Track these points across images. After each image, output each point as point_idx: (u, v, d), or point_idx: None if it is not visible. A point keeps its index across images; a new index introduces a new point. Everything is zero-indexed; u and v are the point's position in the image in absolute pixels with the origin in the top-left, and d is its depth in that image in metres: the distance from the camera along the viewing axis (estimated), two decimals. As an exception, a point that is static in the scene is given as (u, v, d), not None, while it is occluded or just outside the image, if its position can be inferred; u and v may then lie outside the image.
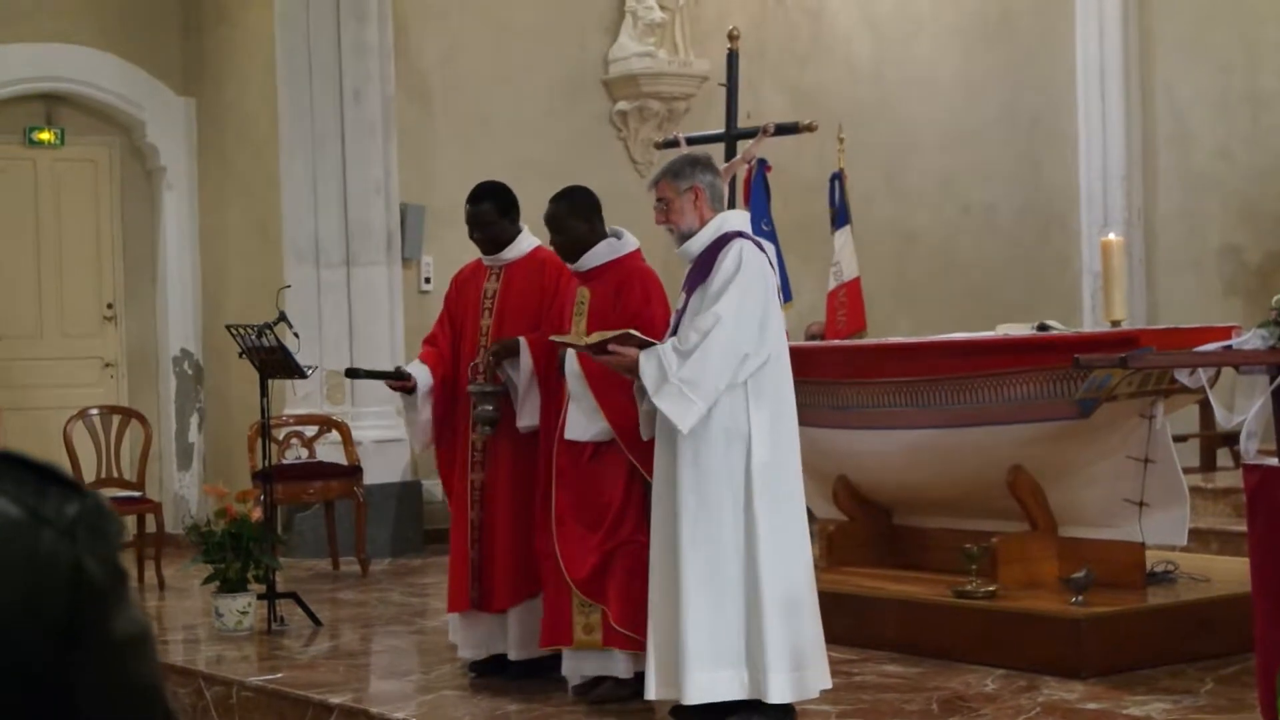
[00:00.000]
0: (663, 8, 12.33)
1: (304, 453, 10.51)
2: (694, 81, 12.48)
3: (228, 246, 11.91)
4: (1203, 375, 6.28)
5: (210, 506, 8.64)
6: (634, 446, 5.96)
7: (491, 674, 6.70)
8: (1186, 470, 7.53)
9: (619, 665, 6.12)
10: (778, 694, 5.45)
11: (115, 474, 10.10)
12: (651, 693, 5.64)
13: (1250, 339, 5.57)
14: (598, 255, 6.31)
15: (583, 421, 6.10)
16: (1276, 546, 5.05)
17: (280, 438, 10.30)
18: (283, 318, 8.39)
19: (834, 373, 7.80)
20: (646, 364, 5.46)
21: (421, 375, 6.78)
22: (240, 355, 8.50)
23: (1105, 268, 7.51)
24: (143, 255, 12.14)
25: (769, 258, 5.71)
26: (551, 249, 6.60)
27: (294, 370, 8.41)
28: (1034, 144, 14.03)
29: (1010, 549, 7.11)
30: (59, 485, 1.27)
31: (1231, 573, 7.04)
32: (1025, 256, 13.88)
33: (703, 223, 5.68)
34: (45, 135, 11.79)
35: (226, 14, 11.79)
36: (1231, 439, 9.44)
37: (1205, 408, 9.31)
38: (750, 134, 8.74)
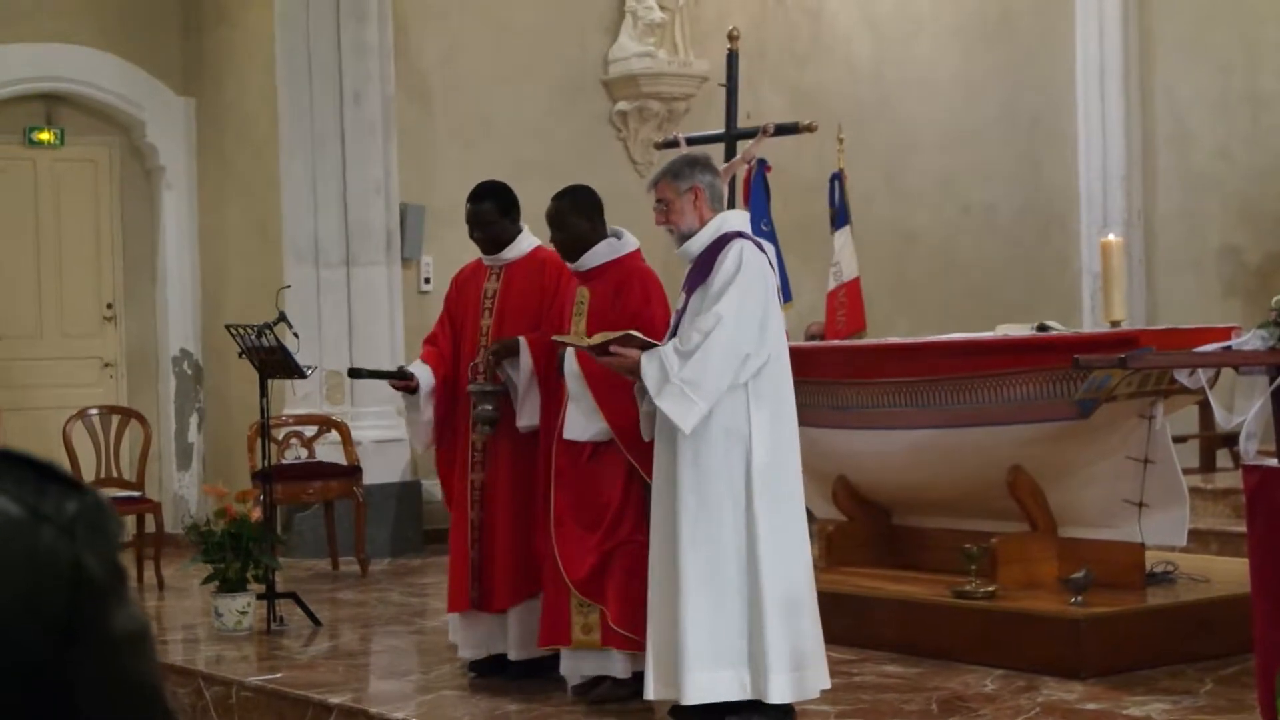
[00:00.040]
0: (663, 8, 12.33)
1: (303, 453, 10.51)
2: (694, 82, 12.48)
3: (227, 246, 11.92)
4: (1202, 376, 6.28)
5: (210, 506, 8.64)
6: (633, 447, 5.96)
7: (491, 674, 6.69)
8: (1186, 471, 7.53)
9: (617, 665, 6.13)
10: (778, 694, 5.45)
11: (115, 474, 10.10)
12: (650, 692, 5.64)
13: (1250, 340, 5.57)
14: (598, 255, 6.31)
15: (581, 421, 6.10)
16: (1276, 547, 5.05)
17: (280, 438, 10.30)
18: (282, 318, 8.39)
19: (834, 373, 7.80)
20: (648, 365, 5.46)
21: (424, 375, 6.78)
22: (240, 355, 8.50)
23: (1105, 268, 7.51)
24: (142, 255, 12.14)
25: (769, 258, 5.71)
26: (552, 248, 6.60)
27: (293, 370, 8.41)
28: (1034, 144, 14.03)
29: (1010, 549, 7.11)
30: (58, 483, 1.27)
31: (1231, 573, 7.04)
32: (1025, 257, 13.88)
33: (703, 223, 5.68)
34: (45, 135, 11.79)
35: (226, 14, 11.79)
36: (1231, 440, 9.44)
37: (1205, 408, 9.31)
38: (750, 134, 8.74)
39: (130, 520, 9.74)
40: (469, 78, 11.78)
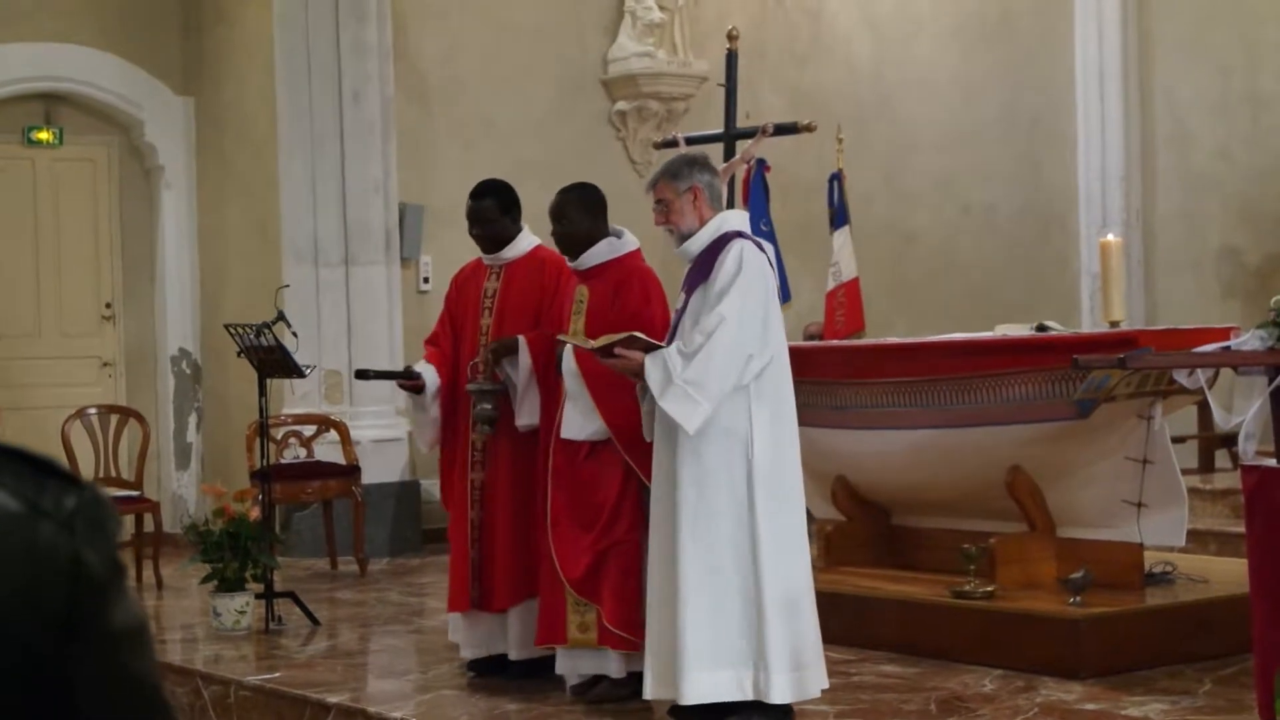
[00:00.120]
0: (662, 8, 12.33)
1: (302, 452, 10.51)
2: (693, 82, 12.48)
3: (226, 246, 11.91)
4: (1201, 376, 6.28)
5: (208, 506, 8.64)
6: (630, 447, 5.96)
7: (492, 673, 6.69)
8: (1185, 471, 7.53)
9: (612, 665, 6.13)
10: (779, 694, 5.45)
11: (113, 473, 10.10)
12: (649, 692, 5.63)
13: (1249, 340, 5.57)
14: (598, 254, 6.31)
15: (579, 420, 6.10)
16: (1275, 547, 5.05)
17: (278, 437, 10.29)
18: (281, 317, 8.38)
19: (833, 373, 7.80)
20: (652, 367, 5.45)
21: (430, 375, 6.79)
22: (239, 354, 8.50)
23: (1104, 268, 7.51)
24: (141, 255, 12.14)
25: (769, 258, 5.71)
26: (552, 248, 6.60)
27: (292, 370, 8.41)
28: (1033, 144, 14.03)
29: (1009, 549, 7.11)
30: (57, 478, 1.27)
31: (1230, 574, 7.04)
32: (1024, 257, 13.88)
33: (702, 223, 5.67)
34: (44, 135, 11.79)
35: (225, 14, 11.79)
36: (1230, 440, 9.45)
37: (1204, 409, 9.30)
38: (749, 134, 8.74)
39: (129, 520, 9.73)
40: (468, 78, 11.79)
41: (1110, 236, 7.93)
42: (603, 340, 5.68)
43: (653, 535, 5.69)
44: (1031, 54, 14.01)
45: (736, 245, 5.57)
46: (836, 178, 9.57)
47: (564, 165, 10.80)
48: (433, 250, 11.49)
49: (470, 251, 7.06)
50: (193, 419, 12.18)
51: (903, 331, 10.92)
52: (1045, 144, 14.07)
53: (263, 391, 8.37)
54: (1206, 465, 10.96)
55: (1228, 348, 5.76)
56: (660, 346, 5.54)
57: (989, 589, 6.86)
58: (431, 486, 9.89)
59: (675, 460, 5.52)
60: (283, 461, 10.23)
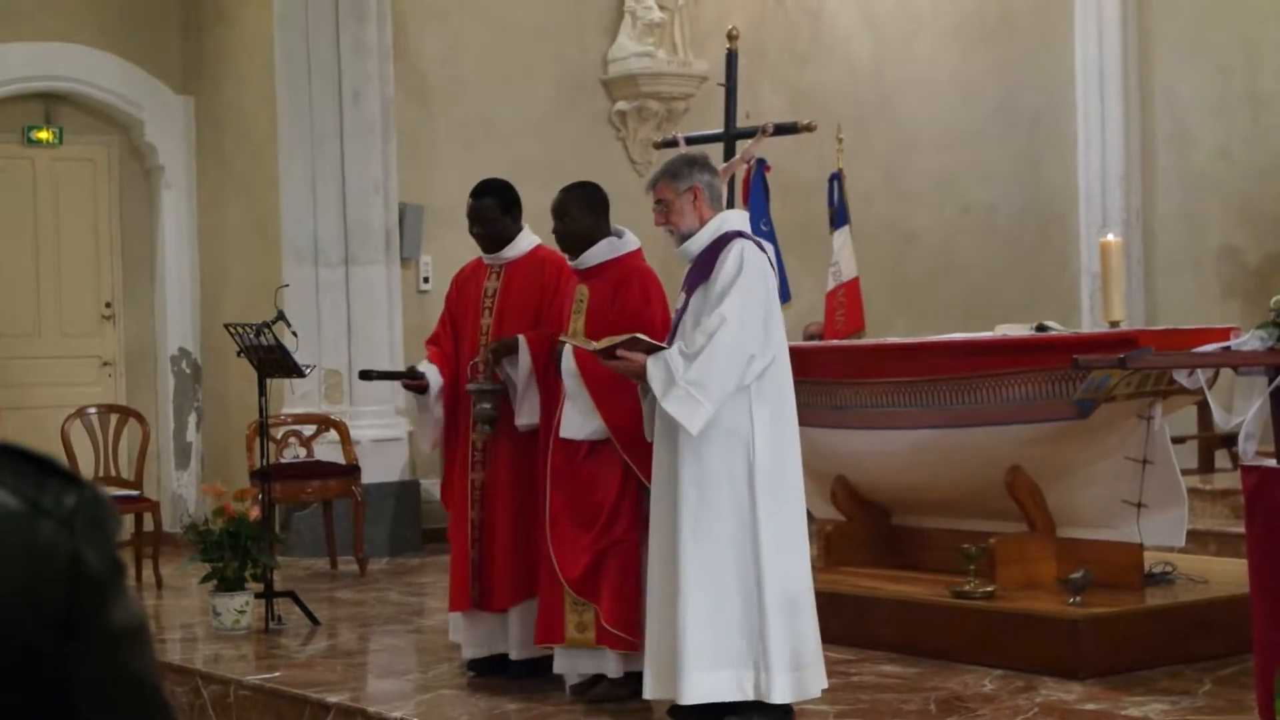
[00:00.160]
0: (662, 8, 12.33)
1: (302, 452, 10.52)
2: (693, 81, 12.49)
3: (226, 246, 11.92)
4: (1201, 376, 6.28)
5: (208, 505, 8.64)
6: (629, 447, 5.96)
7: (492, 673, 6.69)
8: (1185, 471, 7.52)
9: (610, 665, 6.13)
10: (779, 694, 5.45)
11: (113, 473, 10.10)
12: (649, 692, 5.63)
13: (1249, 340, 5.57)
14: (598, 253, 6.31)
15: (578, 420, 6.10)
16: (1274, 548, 5.05)
17: (278, 437, 10.29)
18: (281, 317, 8.39)
19: (833, 373, 7.80)
20: (654, 369, 5.45)
21: (433, 375, 6.80)
22: (238, 354, 8.50)
23: (1104, 268, 7.51)
24: (141, 254, 12.14)
25: (769, 257, 5.70)
26: (552, 247, 6.60)
27: (292, 369, 8.41)
28: (1033, 144, 14.02)
29: (1008, 549, 7.11)
30: (57, 477, 1.27)
31: (1229, 574, 7.04)
32: (1024, 257, 13.87)
33: (702, 223, 5.67)
34: (44, 134, 11.79)
35: (225, 14, 11.79)
36: (1230, 440, 9.45)
37: (1204, 409, 9.30)
38: (749, 134, 8.74)
39: (129, 519, 9.74)
40: (468, 78, 11.79)
41: (1110, 236, 7.93)
42: (605, 342, 5.68)
43: (653, 535, 5.69)
44: (1031, 54, 14.00)
45: (737, 245, 5.57)
46: (836, 177, 9.57)
47: (564, 165, 10.79)
48: (433, 250, 11.49)
49: (470, 251, 7.06)
50: (193, 419, 12.18)
51: (903, 331, 10.92)
52: (1045, 144, 14.06)
53: (263, 391, 8.37)
54: (1206, 465, 10.96)
55: (1228, 348, 5.76)
56: (662, 348, 5.53)
57: (989, 589, 6.86)
58: (431, 486, 9.89)
59: (676, 460, 5.52)
60: (282, 461, 10.23)
